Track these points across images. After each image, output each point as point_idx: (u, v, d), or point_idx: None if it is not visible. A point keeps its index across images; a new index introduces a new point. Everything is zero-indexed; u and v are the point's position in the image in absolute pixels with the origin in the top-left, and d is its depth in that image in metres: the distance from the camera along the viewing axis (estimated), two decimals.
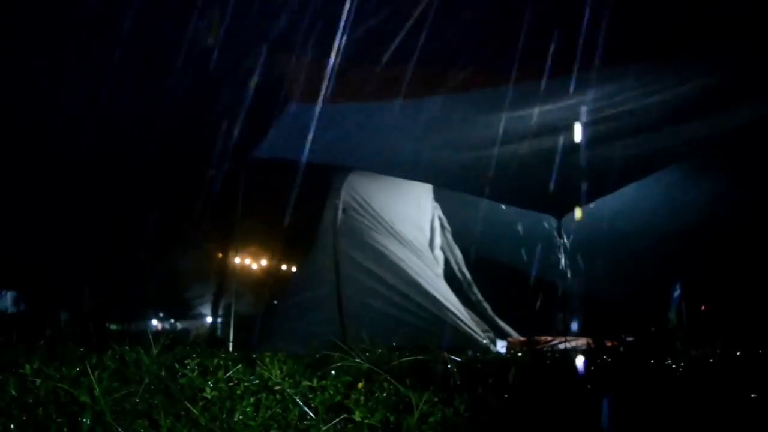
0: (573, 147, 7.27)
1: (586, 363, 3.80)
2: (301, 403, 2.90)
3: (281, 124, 7.91)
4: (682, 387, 3.45)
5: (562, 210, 8.12)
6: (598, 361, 3.98)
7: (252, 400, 2.93)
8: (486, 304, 10.61)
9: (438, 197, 10.72)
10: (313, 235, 9.89)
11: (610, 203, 8.44)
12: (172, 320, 20.30)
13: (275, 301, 11.23)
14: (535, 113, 7.09)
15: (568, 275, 8.03)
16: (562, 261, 8.13)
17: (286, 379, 3.01)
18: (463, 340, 8.19)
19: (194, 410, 2.85)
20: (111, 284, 14.64)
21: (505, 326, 10.27)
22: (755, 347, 4.07)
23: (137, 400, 2.92)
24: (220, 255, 18.49)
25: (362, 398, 2.88)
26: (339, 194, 9.54)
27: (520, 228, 9.81)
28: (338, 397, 2.92)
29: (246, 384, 3.03)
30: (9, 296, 15.27)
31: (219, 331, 14.85)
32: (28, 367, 2.99)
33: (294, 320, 9.06)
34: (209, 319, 19.31)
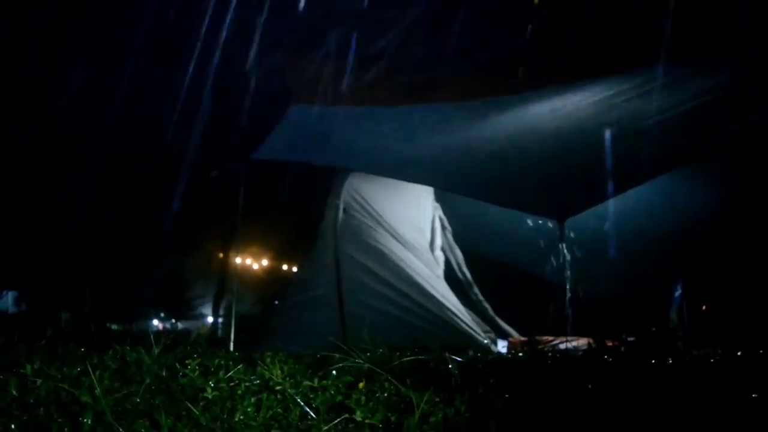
0: (575, 150, 7.28)
1: (587, 363, 3.80)
2: (302, 403, 2.90)
3: (283, 126, 7.92)
4: (684, 387, 3.45)
5: (564, 214, 8.12)
6: (599, 361, 3.98)
7: (253, 400, 2.92)
8: (486, 305, 10.62)
9: (439, 198, 10.72)
10: (314, 235, 9.89)
11: (610, 203, 8.43)
12: (173, 320, 20.30)
13: (276, 302, 11.21)
14: (537, 117, 7.10)
15: (569, 275, 8.02)
16: (563, 261, 8.12)
17: (287, 379, 3.01)
18: (463, 340, 8.19)
19: (195, 410, 2.85)
20: (112, 284, 14.65)
21: (506, 326, 10.27)
22: (756, 347, 4.07)
23: (138, 400, 2.92)
24: (221, 255, 18.50)
25: (363, 398, 2.88)
26: (340, 194, 9.54)
27: (520, 228, 9.80)
28: (339, 397, 2.92)
29: (247, 384, 3.02)
30: (10, 296, 15.28)
31: (220, 331, 14.84)
32: (29, 367, 2.99)
33: (295, 320, 9.06)
34: (210, 319, 19.31)
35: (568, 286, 7.82)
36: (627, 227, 9.27)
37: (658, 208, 9.22)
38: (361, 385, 3.06)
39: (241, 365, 3.11)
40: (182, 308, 20.45)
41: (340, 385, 2.98)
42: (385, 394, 2.97)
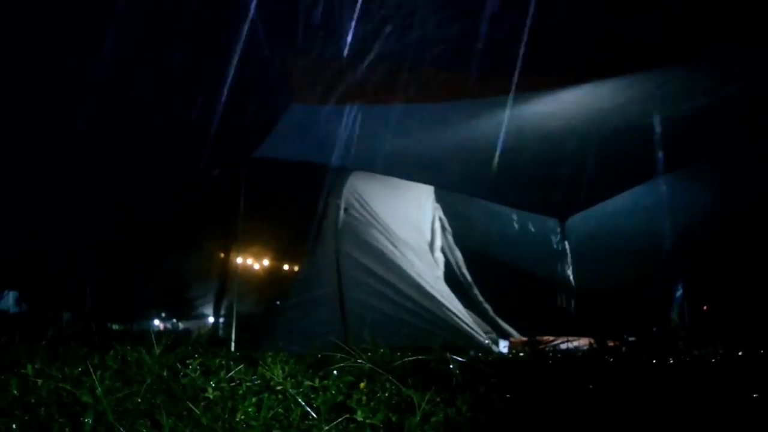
0: (576, 150, 7.28)
1: (588, 363, 3.80)
2: (303, 403, 2.90)
3: (283, 125, 7.91)
4: (685, 387, 3.45)
5: (565, 213, 8.13)
6: (600, 360, 3.98)
7: (254, 400, 2.92)
8: (487, 305, 10.62)
9: (439, 198, 10.72)
10: (315, 235, 9.89)
11: (612, 204, 8.44)
12: (174, 320, 20.30)
13: (278, 302, 11.22)
14: (538, 117, 7.10)
15: (570, 276, 8.03)
16: (564, 262, 8.13)
17: (288, 379, 3.01)
18: (464, 341, 8.20)
19: (196, 410, 2.85)
20: (113, 284, 14.66)
21: (507, 327, 10.27)
22: (757, 347, 4.07)
23: (139, 400, 2.92)
24: (222, 255, 18.49)
25: (364, 398, 2.87)
26: (340, 194, 9.55)
27: (521, 229, 9.81)
28: (340, 397, 2.92)
29: (248, 384, 3.02)
30: (11, 296, 15.28)
31: (221, 331, 14.84)
32: (30, 367, 2.99)
33: (296, 320, 9.06)
34: (211, 319, 19.31)
35: (569, 286, 7.83)
36: (628, 227, 9.29)
37: (659, 208, 9.21)
38: (362, 385, 3.06)
39: (242, 365, 3.11)
40: (183, 308, 20.44)
41: (341, 385, 2.98)
42: (387, 394, 2.97)
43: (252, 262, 20.39)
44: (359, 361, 3.38)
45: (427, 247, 10.28)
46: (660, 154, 7.43)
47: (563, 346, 5.04)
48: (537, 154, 7.59)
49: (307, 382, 2.98)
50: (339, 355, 3.46)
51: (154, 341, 3.31)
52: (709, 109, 6.93)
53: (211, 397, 2.92)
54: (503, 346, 8.78)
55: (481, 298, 10.69)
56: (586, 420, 3.11)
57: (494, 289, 10.76)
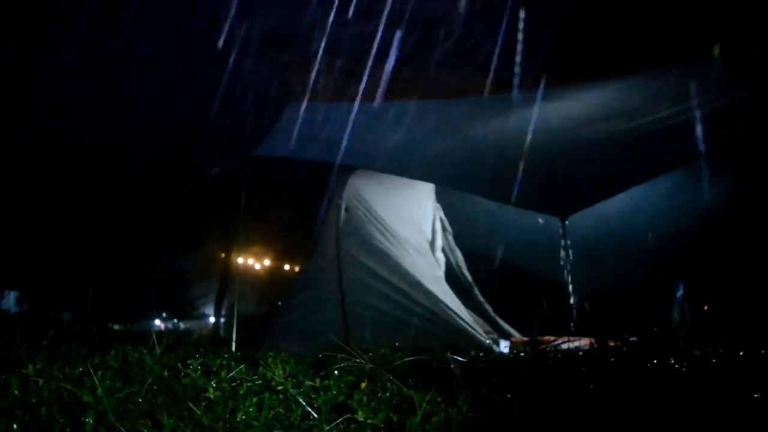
0: (577, 149, 7.28)
1: (589, 363, 3.80)
2: (304, 403, 2.90)
3: (284, 123, 7.92)
4: (686, 387, 3.44)
5: (566, 211, 8.12)
6: (601, 361, 3.98)
7: (255, 400, 2.92)
8: (488, 305, 10.61)
9: (440, 198, 10.72)
10: (316, 235, 9.89)
11: (613, 203, 8.43)
12: (175, 320, 20.33)
13: (279, 302, 11.22)
14: (540, 116, 7.10)
15: (571, 275, 8.01)
16: (565, 261, 8.12)
17: (289, 379, 3.01)
18: (465, 341, 8.19)
19: (197, 410, 2.85)
20: (114, 284, 14.66)
21: (508, 327, 10.27)
22: (758, 347, 4.06)
23: (140, 400, 2.92)
24: (223, 255, 18.51)
25: (365, 398, 2.87)
26: (342, 194, 9.55)
27: (521, 229, 9.80)
28: (341, 397, 2.92)
29: (249, 384, 3.03)
30: (12, 296, 15.28)
31: (222, 331, 14.85)
32: (31, 367, 3.00)
33: (296, 320, 9.07)
34: (212, 319, 19.33)
35: (570, 286, 7.81)
36: (628, 227, 9.28)
37: (660, 208, 9.22)
38: (363, 385, 3.06)
39: (243, 365, 3.12)
40: (184, 308, 20.47)
41: (342, 385, 2.98)
42: (387, 394, 2.97)
43: (253, 262, 20.42)
44: (360, 361, 3.38)
45: (428, 247, 10.28)
46: (661, 153, 7.44)
47: (564, 346, 5.03)
48: (538, 152, 7.58)
49: (308, 382, 2.98)
50: (340, 355, 3.46)
51: (155, 341, 3.31)
52: (711, 108, 6.93)
53: (212, 397, 2.92)
54: (504, 346, 8.77)
55: (481, 298, 10.68)
56: (587, 420, 3.11)
57: (495, 289, 10.76)
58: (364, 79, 7.27)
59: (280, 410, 2.90)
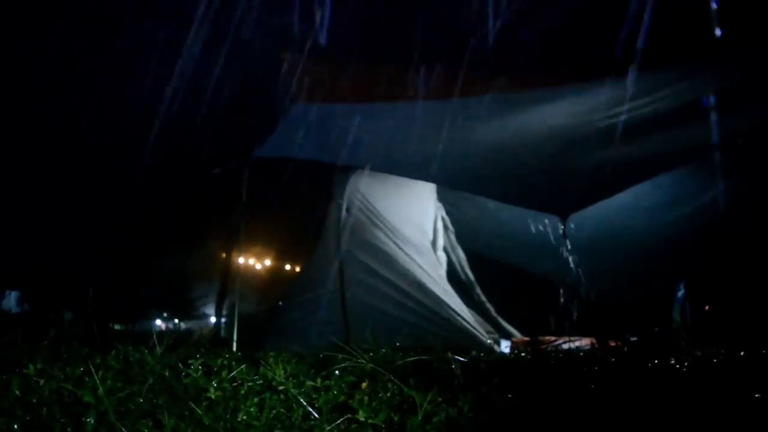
0: (578, 148, 7.28)
1: (590, 363, 3.80)
2: (305, 403, 2.90)
3: (286, 123, 7.92)
4: (686, 387, 3.45)
5: (566, 210, 8.11)
6: (602, 360, 3.98)
7: (256, 400, 2.92)
8: (489, 305, 10.61)
9: (441, 198, 10.71)
10: (317, 235, 9.90)
11: (614, 203, 8.43)
12: (176, 320, 20.32)
13: (279, 302, 11.22)
14: (540, 114, 7.10)
15: (572, 275, 8.02)
16: (566, 261, 8.12)
17: (290, 379, 3.01)
18: (466, 341, 8.19)
19: (198, 410, 2.85)
20: (115, 284, 14.66)
21: (509, 327, 10.27)
22: (759, 347, 4.07)
23: (141, 400, 2.92)
24: (224, 255, 18.51)
25: (366, 398, 2.87)
26: (343, 194, 9.55)
27: (523, 228, 9.80)
28: (342, 397, 2.92)
29: (250, 384, 3.02)
30: (13, 296, 15.28)
31: (223, 331, 14.84)
32: (32, 367, 3.00)
33: (297, 320, 9.07)
34: (213, 319, 19.32)
35: (571, 286, 7.82)
36: (630, 227, 9.28)
37: (661, 209, 9.22)
38: (364, 385, 3.06)
39: (243, 365, 3.11)
40: (185, 308, 20.45)
41: (343, 385, 2.98)
42: (388, 394, 2.97)
43: (254, 262, 20.43)
44: (361, 361, 3.38)
45: (430, 246, 10.28)
46: (662, 152, 7.44)
47: (565, 346, 5.03)
48: (539, 151, 7.59)
49: (309, 382, 2.98)
50: (341, 355, 3.46)
51: (156, 341, 3.31)
52: (713, 106, 6.94)
53: (213, 397, 2.92)
54: (505, 346, 8.78)
55: (483, 298, 10.68)
56: (587, 420, 3.11)
57: (496, 288, 10.76)
58: (365, 79, 7.27)
59: (281, 410, 2.90)
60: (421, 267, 9.32)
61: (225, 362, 3.12)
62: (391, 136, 7.78)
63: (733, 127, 7.38)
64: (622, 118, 7.03)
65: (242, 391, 2.99)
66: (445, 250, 10.72)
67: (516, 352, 7.00)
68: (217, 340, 10.40)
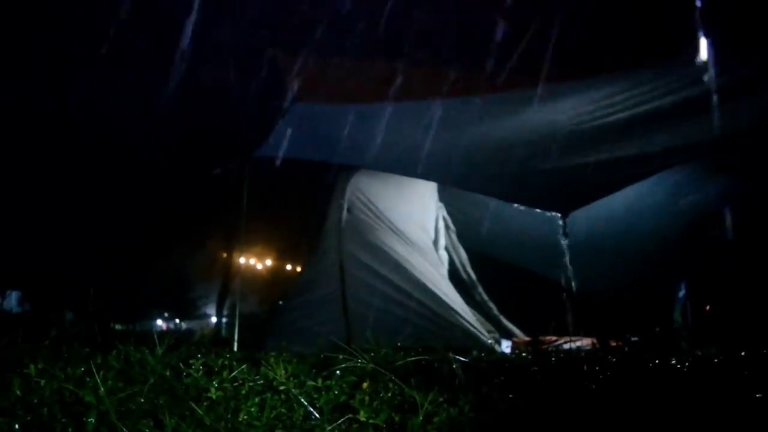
0: (579, 146, 7.27)
1: (591, 363, 3.80)
2: (305, 403, 2.90)
3: (285, 123, 7.91)
4: (687, 387, 3.44)
5: (567, 208, 8.12)
6: (603, 361, 3.98)
7: (257, 400, 2.93)
8: (491, 304, 10.61)
9: (442, 197, 10.72)
10: (318, 235, 9.90)
11: (615, 202, 8.44)
12: (177, 320, 20.34)
13: (280, 302, 11.23)
14: (541, 113, 7.10)
15: (573, 275, 8.02)
16: (567, 260, 8.12)
17: (291, 379, 3.02)
18: (467, 341, 8.19)
19: (199, 410, 2.85)
20: (116, 284, 14.66)
21: (510, 326, 10.27)
22: (760, 347, 4.06)
23: (142, 400, 2.93)
24: (225, 255, 18.52)
25: (367, 398, 2.87)
26: (344, 194, 9.55)
27: (524, 227, 9.80)
28: (343, 397, 2.92)
29: (251, 384, 3.03)
30: (14, 296, 15.29)
31: (224, 331, 14.86)
32: (32, 367, 3.00)
33: (298, 320, 9.06)
34: (214, 319, 19.34)
35: (572, 286, 7.82)
36: (630, 227, 9.28)
37: (662, 208, 9.22)
38: (365, 385, 3.06)
39: (244, 365, 3.12)
40: (186, 308, 20.48)
41: (344, 385, 2.98)
42: (389, 394, 2.97)
43: (255, 262, 20.44)
44: (362, 361, 3.38)
45: (431, 245, 10.28)
46: (662, 151, 7.44)
47: (566, 346, 5.03)
48: (540, 149, 7.58)
49: (310, 382, 2.98)
50: (342, 355, 3.46)
51: (157, 341, 3.32)
52: (716, 105, 6.92)
53: (213, 397, 2.93)
54: (506, 346, 8.78)
55: (485, 297, 10.68)
56: (588, 420, 3.11)
57: (497, 288, 10.76)
58: (365, 78, 7.27)
59: (282, 410, 2.91)
60: (422, 266, 9.31)
61: (226, 362, 3.13)
62: (392, 135, 7.77)
63: (735, 125, 7.37)
64: (624, 115, 7.02)
65: (243, 391, 2.99)
66: (446, 249, 10.72)
67: (517, 351, 6.99)
68: (218, 340, 10.41)
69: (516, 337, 9.74)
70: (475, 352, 4.71)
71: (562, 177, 7.65)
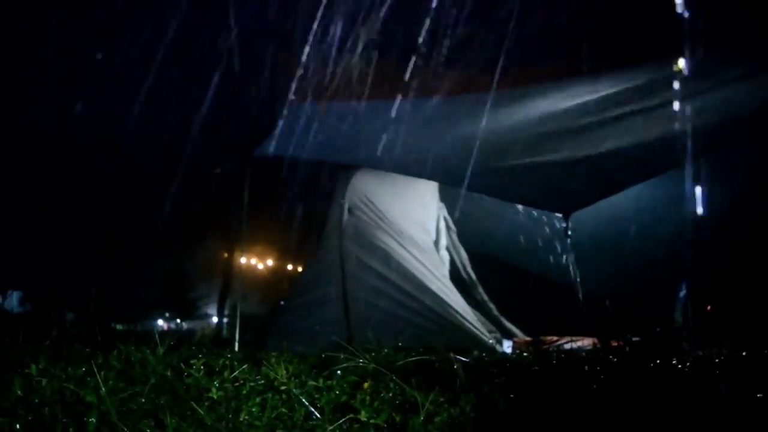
0: (580, 145, 7.27)
1: (592, 363, 3.80)
2: (306, 403, 2.90)
3: (286, 122, 7.92)
4: (688, 387, 3.44)
5: (569, 208, 8.11)
6: (604, 361, 3.98)
7: (258, 400, 2.92)
8: (491, 305, 10.61)
9: (443, 197, 10.72)
10: (319, 235, 9.90)
11: (616, 202, 8.43)
12: (178, 320, 20.32)
13: (281, 302, 11.22)
14: (542, 111, 7.10)
15: (574, 275, 8.01)
16: (568, 260, 8.11)
17: (292, 379, 3.01)
18: (468, 341, 8.19)
19: (200, 410, 2.85)
20: (116, 284, 14.66)
21: (511, 326, 10.26)
22: (761, 347, 4.06)
23: (143, 400, 2.93)
24: (226, 255, 18.50)
25: (368, 398, 2.87)
26: (344, 194, 9.55)
27: (525, 227, 9.80)
28: (344, 397, 2.92)
29: (252, 384, 3.02)
30: (14, 296, 15.28)
31: (224, 331, 14.84)
32: (33, 366, 3.00)
33: (300, 320, 9.07)
34: (215, 319, 19.32)
35: (573, 286, 7.81)
36: (631, 227, 9.27)
37: (664, 207, 9.21)
38: (366, 385, 3.06)
39: (245, 365, 3.11)
40: (187, 308, 20.44)
41: (345, 385, 2.98)
42: (390, 394, 2.97)
43: (255, 262, 20.41)
44: (363, 361, 3.38)
45: (432, 246, 10.28)
46: (664, 150, 7.43)
47: (567, 346, 5.03)
48: (542, 149, 7.58)
49: (311, 382, 2.98)
50: (343, 355, 3.46)
51: (158, 341, 3.32)
52: (719, 103, 6.93)
53: (214, 397, 2.92)
54: (507, 346, 8.78)
55: (485, 297, 10.68)
56: (589, 420, 3.11)
57: (498, 288, 10.76)
58: (365, 78, 7.27)
59: (283, 410, 2.90)
60: (423, 267, 9.32)
61: (227, 362, 3.12)
62: (393, 135, 7.78)
63: (737, 124, 7.37)
64: (627, 113, 7.03)
65: (244, 391, 2.99)
66: (447, 249, 10.72)
67: (518, 352, 7.00)
68: (219, 340, 10.41)
69: (517, 337, 9.74)
70: (476, 352, 4.72)
71: (564, 177, 7.65)
